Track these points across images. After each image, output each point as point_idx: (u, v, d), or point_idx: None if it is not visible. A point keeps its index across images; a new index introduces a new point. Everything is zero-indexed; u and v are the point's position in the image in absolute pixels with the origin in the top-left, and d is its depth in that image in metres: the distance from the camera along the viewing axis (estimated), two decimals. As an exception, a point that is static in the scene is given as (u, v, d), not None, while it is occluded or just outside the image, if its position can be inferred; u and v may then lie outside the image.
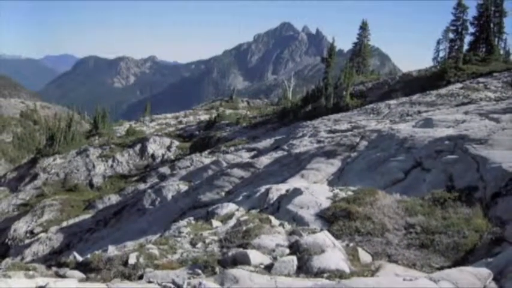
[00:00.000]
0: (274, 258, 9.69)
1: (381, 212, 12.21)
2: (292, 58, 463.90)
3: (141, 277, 9.98)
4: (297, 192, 14.99)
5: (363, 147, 22.13)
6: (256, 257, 9.59)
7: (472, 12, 53.24)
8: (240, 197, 18.06)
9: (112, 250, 14.44)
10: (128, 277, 10.37)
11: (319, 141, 27.71)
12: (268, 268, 9.08)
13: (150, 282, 9.18)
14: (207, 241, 12.20)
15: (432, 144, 18.06)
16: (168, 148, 52.22)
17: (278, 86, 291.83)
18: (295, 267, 9.03)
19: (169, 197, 29.77)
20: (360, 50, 64.72)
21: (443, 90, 36.27)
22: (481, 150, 15.26)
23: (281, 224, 12.51)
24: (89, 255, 13.83)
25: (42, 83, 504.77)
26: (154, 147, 51.55)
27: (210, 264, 9.81)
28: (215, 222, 14.09)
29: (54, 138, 59.67)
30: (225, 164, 31.73)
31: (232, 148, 38.70)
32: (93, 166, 50.36)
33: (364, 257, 9.93)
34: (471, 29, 53.31)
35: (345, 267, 8.93)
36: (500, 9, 52.26)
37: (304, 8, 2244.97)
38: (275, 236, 11.19)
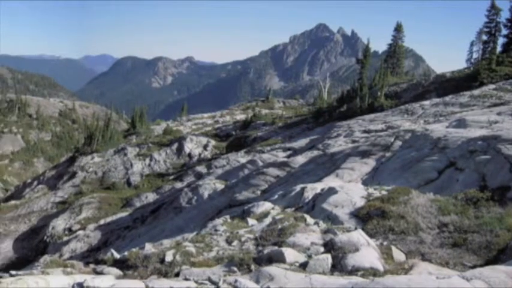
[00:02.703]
0: (309, 257, 9.66)
1: (414, 211, 12.16)
2: (327, 59, 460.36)
3: (177, 274, 10.04)
4: (331, 191, 14.99)
5: (397, 147, 22.10)
6: (291, 255, 9.58)
7: (505, 14, 52.63)
8: (276, 196, 18.08)
9: (149, 248, 14.47)
10: (165, 274, 10.41)
11: (353, 141, 27.62)
12: (303, 266, 9.08)
13: (186, 279, 9.14)
14: (242, 239, 12.23)
15: (465, 145, 17.99)
16: (205, 147, 52.23)
17: (313, 87, 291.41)
18: (329, 265, 9.04)
19: (206, 195, 29.71)
20: (395, 52, 64.32)
21: (476, 92, 35.96)
22: (513, 150, 15.15)
23: (316, 223, 12.46)
24: (126, 253, 13.94)
25: (81, 83, 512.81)
26: (191, 146, 51.59)
27: (246, 262, 9.84)
28: (251, 221, 14.20)
29: (93, 137, 60.35)
30: (260, 163, 31.71)
31: (268, 147, 38.54)
32: (131, 165, 50.60)
33: (398, 255, 9.87)
34: (504, 31, 52.72)
35: (379, 265, 8.93)
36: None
37: (339, 10, 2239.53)
38: (310, 234, 11.16)
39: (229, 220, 15.53)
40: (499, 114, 24.40)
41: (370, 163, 20.96)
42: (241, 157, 38.60)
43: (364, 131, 30.28)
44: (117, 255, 14.16)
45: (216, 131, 63.14)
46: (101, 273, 11.59)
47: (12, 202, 53.59)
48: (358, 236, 9.94)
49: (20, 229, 42.18)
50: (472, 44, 54.20)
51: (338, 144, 28.35)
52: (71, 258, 28.61)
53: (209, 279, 8.60)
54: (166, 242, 17.84)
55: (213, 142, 54.41)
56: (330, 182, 18.31)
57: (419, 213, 12.04)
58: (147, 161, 51.21)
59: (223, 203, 25.55)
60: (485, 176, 14.54)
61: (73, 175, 53.83)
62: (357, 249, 9.39)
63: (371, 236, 10.98)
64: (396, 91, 48.28)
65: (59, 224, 38.68)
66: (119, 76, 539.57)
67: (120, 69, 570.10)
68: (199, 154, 51.32)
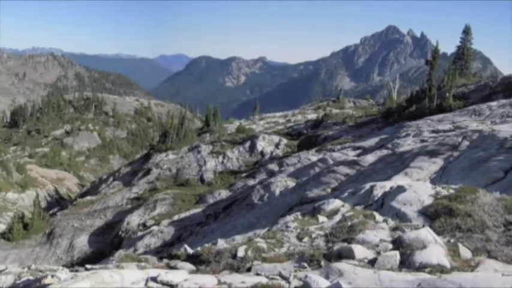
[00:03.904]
0: (378, 253, 9.72)
1: (481, 210, 12.00)
2: (397, 60, 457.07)
3: (249, 269, 10.17)
4: (400, 189, 14.92)
5: (464, 147, 21.98)
6: (360, 251, 9.63)
7: None
8: (346, 194, 18.01)
9: (221, 243, 14.66)
10: (237, 269, 10.56)
11: (422, 141, 27.42)
12: (372, 262, 9.13)
13: (257, 274, 9.32)
14: (313, 235, 12.32)
15: (532, 145, 17.76)
16: (277, 145, 52.02)
17: (383, 87, 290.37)
18: (397, 262, 9.06)
19: (277, 192, 29.64)
20: (463, 53, 63.46)
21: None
22: None
23: (385, 220, 12.51)
24: (199, 248, 14.19)
25: (156, 82, 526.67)
26: (264, 144, 51.44)
27: (316, 258, 9.89)
28: (321, 218, 14.22)
29: (167, 135, 60.93)
30: (331, 162, 31.45)
31: (338, 146, 38.14)
32: (204, 162, 50.65)
33: (464, 252, 9.77)
34: None
35: (446, 262, 8.88)
36: None
37: (409, 12, 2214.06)
38: (379, 231, 11.22)
39: (300, 217, 15.63)
40: None
41: (438, 162, 20.84)
42: (312, 155, 38.27)
43: (433, 131, 29.99)
44: (190, 251, 14.42)
45: (288, 130, 62.93)
46: (174, 267, 11.84)
47: (88, 198, 54.89)
48: (426, 233, 9.91)
49: (96, 224, 43.01)
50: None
51: (407, 143, 28.19)
52: (145, 253, 29.04)
53: (280, 275, 8.70)
54: (238, 238, 18.01)
55: (284, 140, 54.02)
56: (398, 180, 18.20)
57: (486, 212, 11.89)
58: (220, 158, 51.16)
59: (294, 200, 25.40)
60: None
61: (148, 172, 54.50)
62: (424, 247, 9.37)
63: (438, 233, 10.87)
64: (464, 92, 47.59)
65: (134, 219, 39.21)
66: (193, 75, 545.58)
67: (195, 68, 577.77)
68: (271, 152, 51.04)
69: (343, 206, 15.48)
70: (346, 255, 9.58)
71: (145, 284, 8.08)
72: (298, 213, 16.45)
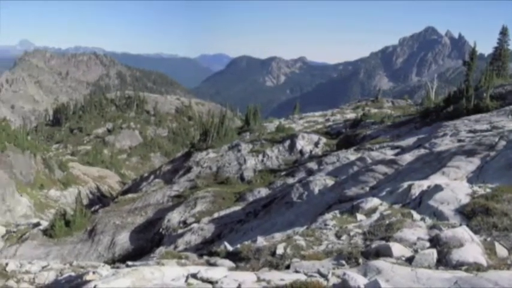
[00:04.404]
0: (415, 251, 9.78)
1: (518, 209, 12.04)
2: (435, 61, 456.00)
3: (288, 267, 10.27)
4: (437, 188, 14.90)
5: (501, 146, 21.69)
6: (397, 249, 9.73)
7: None
8: (384, 192, 18.11)
9: (261, 241, 14.83)
10: (276, 266, 10.67)
11: (459, 140, 27.19)
12: (409, 260, 9.19)
13: (296, 271, 9.40)
14: (351, 233, 12.47)
15: None
16: (316, 144, 51.85)
17: (421, 88, 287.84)
18: (434, 260, 9.10)
19: (316, 191, 29.42)
20: (500, 55, 62.78)
21: None
22: None
23: (422, 219, 12.54)
24: (238, 245, 14.40)
25: (197, 81, 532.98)
26: (303, 143, 51.20)
27: (354, 256, 10.03)
28: (359, 216, 14.41)
29: (208, 134, 61.30)
30: (369, 161, 31.24)
31: (376, 145, 37.83)
32: (244, 160, 50.80)
33: (501, 251, 9.75)
34: None
35: (483, 260, 8.88)
36: None
37: (447, 13, 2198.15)
38: (416, 230, 11.26)
39: (338, 215, 15.84)
40: None
41: (475, 162, 20.59)
42: (350, 154, 38.03)
43: (470, 131, 29.71)
44: (230, 248, 14.60)
45: (327, 129, 62.47)
46: (214, 264, 12.07)
47: (130, 195, 55.48)
48: (463, 231, 9.93)
49: (137, 221, 43.34)
50: None
51: (444, 143, 27.91)
52: (185, 250, 29.04)
53: (318, 272, 8.80)
54: (278, 236, 18.06)
55: (323, 140, 53.80)
56: (436, 179, 18.08)
57: (523, 211, 11.92)
58: (260, 157, 51.26)
59: (332, 199, 25.36)
60: None
61: (188, 170, 54.76)
62: (461, 245, 9.40)
63: (475, 232, 10.86)
64: (501, 93, 47.01)
65: (174, 216, 39.36)
66: (233, 75, 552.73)
67: (235, 68, 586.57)
68: (311, 151, 50.84)
69: (381, 204, 15.62)
70: (384, 253, 9.71)
71: (186, 281, 8.20)
72: (337, 212, 16.68)
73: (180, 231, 35.96)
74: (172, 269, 9.06)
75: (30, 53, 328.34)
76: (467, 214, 12.62)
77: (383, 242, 10.43)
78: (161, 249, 32.08)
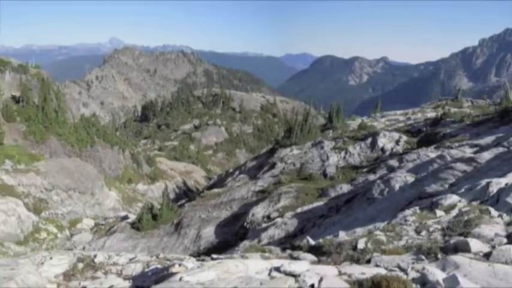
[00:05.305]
0: (493, 247, 9.69)
1: None
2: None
3: (368, 261, 10.38)
4: (515, 185, 14.79)
5: None
6: (475, 245, 9.69)
7: None
8: (462, 189, 18.07)
9: (342, 235, 15.04)
10: (357, 261, 10.86)
11: (538, 139, 26.83)
12: (487, 256, 9.14)
13: (377, 266, 9.49)
14: (430, 229, 12.59)
15: None
16: (397, 142, 51.13)
17: (500, 88, 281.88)
18: (511, 256, 8.98)
19: (397, 187, 29.48)
20: None
21: None
22: None
23: (500, 215, 12.49)
24: (321, 240, 14.62)
25: (282, 79, 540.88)
26: (384, 141, 50.75)
27: (433, 251, 10.06)
28: (438, 212, 14.51)
29: (292, 131, 61.44)
30: (449, 158, 30.93)
31: (456, 144, 37.23)
32: (327, 157, 50.58)
33: None
34: None
35: (561, 256, 8.76)
36: None
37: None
38: (494, 226, 11.27)
39: (418, 211, 15.99)
40: None
41: (554, 159, 20.29)
42: (430, 152, 37.35)
43: (548, 130, 29.23)
44: (312, 242, 14.83)
45: (408, 127, 61.60)
46: (296, 258, 12.26)
47: (215, 190, 56.12)
48: (540, 228, 9.86)
49: (222, 215, 43.81)
50: None
51: (523, 141, 27.54)
52: (268, 244, 29.22)
53: (398, 266, 8.94)
54: (359, 231, 18.26)
55: (404, 137, 52.88)
56: (514, 177, 17.98)
57: None
58: (342, 154, 50.98)
59: (412, 195, 25.24)
60: None
61: (272, 166, 55.08)
62: (540, 241, 9.29)
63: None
64: None
65: (259, 211, 39.69)
66: (317, 74, 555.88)
67: (319, 67, 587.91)
68: (392, 148, 50.22)
69: (459, 201, 15.70)
70: (462, 248, 9.70)
71: (269, 274, 8.31)
72: (417, 208, 16.86)
73: (263, 225, 36.33)
74: (256, 262, 9.24)
75: (120, 50, 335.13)
76: (545, 210, 12.49)
77: (461, 238, 10.46)
78: (245, 243, 32.56)
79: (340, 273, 8.44)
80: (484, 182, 16.97)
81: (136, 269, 13.40)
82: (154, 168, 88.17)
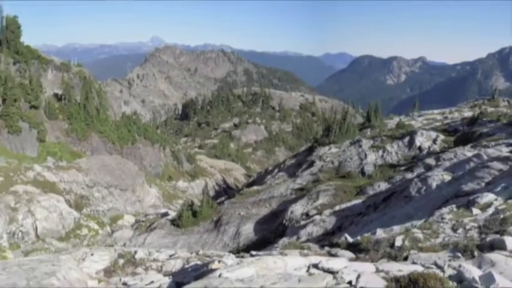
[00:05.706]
0: (529, 245, 9.69)
1: None
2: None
3: (405, 258, 10.49)
4: (552, 184, 14.71)
5: None
6: (511, 243, 9.65)
7: None
8: (499, 188, 18.04)
9: (380, 233, 15.05)
10: (394, 258, 10.96)
11: None
12: (523, 254, 9.07)
13: (414, 263, 9.59)
14: (467, 227, 12.65)
15: None
16: (434, 141, 51.22)
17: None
18: (547, 253, 8.92)
19: (434, 185, 29.31)
20: None
21: None
22: None
23: (536, 214, 12.36)
24: (358, 237, 14.73)
25: (321, 79, 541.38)
26: (422, 139, 50.87)
27: (469, 249, 10.11)
28: (475, 210, 14.60)
29: (330, 129, 62.13)
30: (485, 157, 30.88)
31: (492, 143, 37.41)
32: (365, 155, 51.00)
33: None
34: None
35: None
36: None
37: None
38: (530, 224, 11.15)
39: (454, 209, 16.10)
40: None
41: None
42: (467, 151, 37.59)
43: None
44: (350, 239, 14.88)
45: (445, 127, 61.37)
46: (335, 255, 12.30)
47: (255, 187, 56.42)
48: None
49: (261, 213, 44.04)
50: None
51: (558, 140, 27.28)
52: (307, 241, 29.35)
53: (435, 264, 9.01)
54: (396, 228, 18.31)
55: (441, 136, 52.99)
56: (550, 175, 17.88)
57: None
58: (380, 152, 51.38)
59: (449, 193, 25.14)
60: None
61: (311, 164, 55.43)
62: None
63: None
64: None
65: (297, 208, 39.83)
66: (356, 73, 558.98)
67: (358, 66, 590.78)
68: (429, 147, 50.33)
69: (496, 199, 15.69)
70: (498, 246, 9.73)
71: (307, 270, 8.44)
72: (453, 206, 16.92)
73: (302, 222, 36.41)
74: (295, 259, 9.29)
75: (161, 49, 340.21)
76: None
77: (497, 236, 10.48)
78: (284, 240, 32.57)
79: (377, 270, 8.54)
80: (520, 181, 16.85)
81: (176, 265, 13.54)
82: (194, 166, 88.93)
